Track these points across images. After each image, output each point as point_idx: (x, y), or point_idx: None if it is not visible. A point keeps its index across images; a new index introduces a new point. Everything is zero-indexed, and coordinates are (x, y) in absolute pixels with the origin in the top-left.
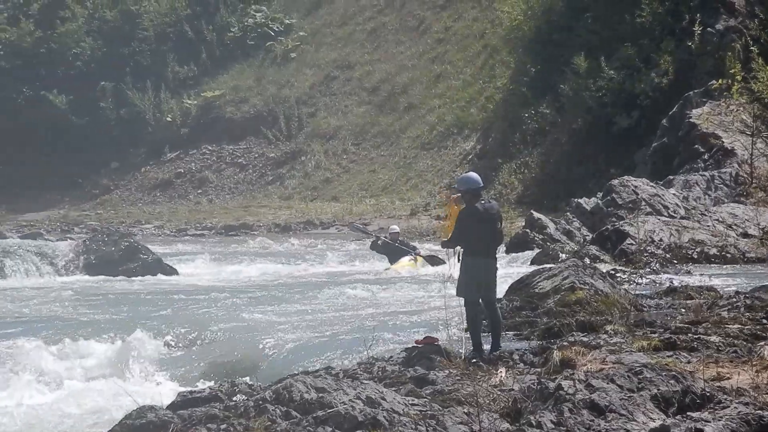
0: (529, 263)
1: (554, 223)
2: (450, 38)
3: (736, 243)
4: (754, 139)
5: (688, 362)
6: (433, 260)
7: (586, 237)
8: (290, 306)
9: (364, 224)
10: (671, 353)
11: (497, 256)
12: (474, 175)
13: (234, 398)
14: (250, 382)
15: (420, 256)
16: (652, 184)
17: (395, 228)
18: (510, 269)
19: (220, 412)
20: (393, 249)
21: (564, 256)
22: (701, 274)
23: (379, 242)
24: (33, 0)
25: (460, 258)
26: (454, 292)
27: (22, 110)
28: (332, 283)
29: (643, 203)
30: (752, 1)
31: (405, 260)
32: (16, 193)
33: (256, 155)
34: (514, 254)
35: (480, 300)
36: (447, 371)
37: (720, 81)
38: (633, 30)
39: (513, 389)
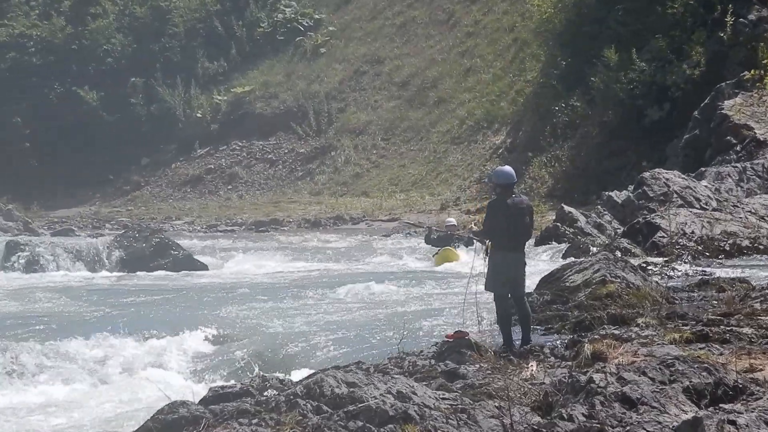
0: (560, 257)
1: (585, 217)
2: (480, 32)
3: None
4: None
5: (721, 354)
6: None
7: (617, 230)
8: (321, 301)
9: (394, 219)
10: (703, 345)
11: (525, 250)
12: (509, 169)
13: (265, 393)
14: (281, 377)
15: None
16: (683, 176)
17: (451, 221)
18: (541, 263)
19: (251, 407)
20: (447, 241)
21: (595, 249)
22: (733, 266)
23: (432, 236)
24: None
25: (488, 252)
26: (482, 286)
27: (54, 107)
28: (362, 279)
29: (675, 195)
30: None
31: (445, 253)
32: (48, 190)
33: (286, 151)
34: (544, 247)
35: (509, 294)
36: (478, 365)
37: (752, 72)
38: (664, 21)
39: (544, 383)
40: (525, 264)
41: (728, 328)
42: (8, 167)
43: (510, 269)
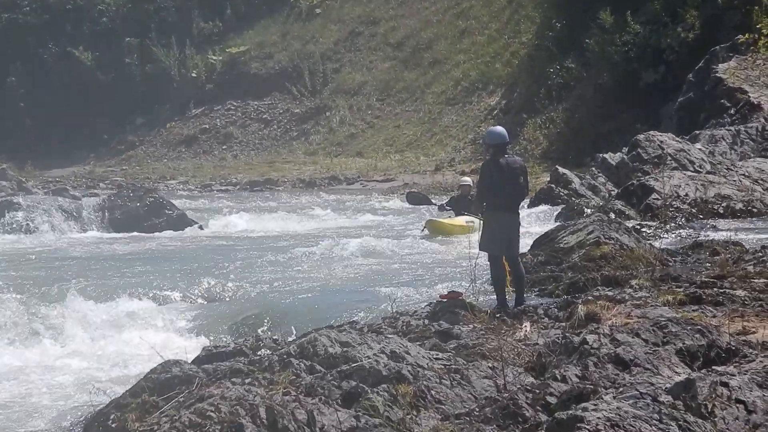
0: (554, 218)
1: (579, 178)
2: None
3: (762, 197)
4: None
5: (714, 316)
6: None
7: (612, 192)
8: (315, 261)
9: (389, 179)
10: (696, 307)
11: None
12: (500, 129)
13: (258, 353)
14: (274, 337)
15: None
16: (677, 139)
17: (466, 180)
18: (535, 224)
19: (244, 366)
20: (461, 205)
21: (589, 211)
22: (727, 229)
23: (445, 205)
24: None
25: (483, 212)
26: (477, 247)
27: (49, 67)
28: (357, 238)
29: (669, 158)
30: None
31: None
32: (42, 149)
33: (281, 111)
34: (538, 209)
35: (503, 255)
36: (471, 326)
37: (746, 35)
38: None
39: (538, 343)
40: (519, 225)
41: (721, 291)
42: (2, 127)
43: (504, 230)
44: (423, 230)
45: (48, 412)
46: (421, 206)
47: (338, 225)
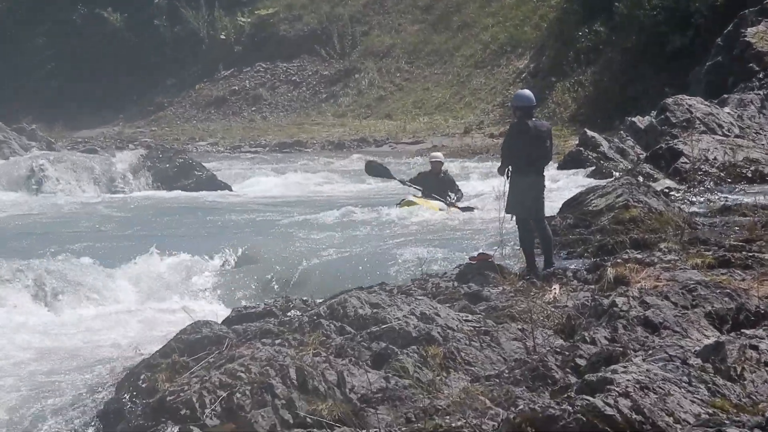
0: (582, 181)
1: (608, 142)
2: None
3: None
4: None
5: (742, 280)
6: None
7: (640, 155)
8: (344, 223)
9: (418, 141)
10: (725, 271)
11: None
12: (528, 92)
13: (288, 314)
14: (304, 298)
15: (454, 206)
16: (706, 102)
17: (438, 155)
18: (563, 187)
19: (274, 327)
20: (432, 186)
21: (617, 174)
22: (755, 193)
23: (407, 182)
24: None
25: (509, 176)
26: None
27: (78, 28)
28: (386, 201)
29: (698, 122)
30: None
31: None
32: (71, 110)
33: (310, 73)
34: (567, 172)
35: (530, 217)
36: (501, 288)
37: None
38: None
39: (567, 306)
40: (545, 187)
41: (750, 254)
42: (32, 87)
43: (530, 192)
44: (399, 206)
45: (79, 372)
46: (381, 178)
47: (368, 187)
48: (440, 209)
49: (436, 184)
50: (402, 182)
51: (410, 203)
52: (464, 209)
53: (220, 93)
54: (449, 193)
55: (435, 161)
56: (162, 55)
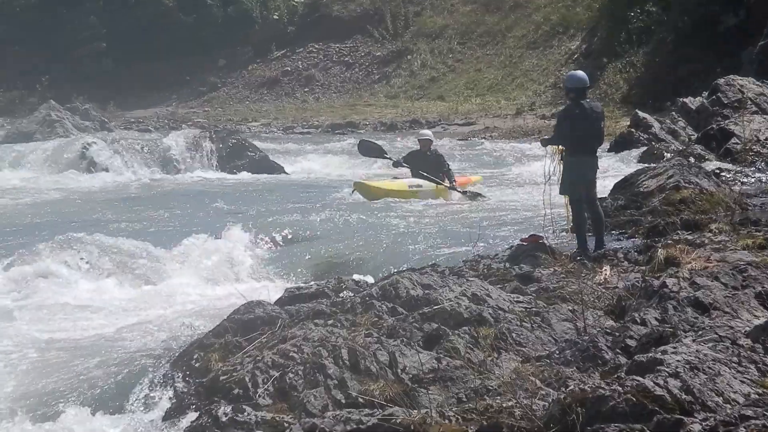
0: (634, 162)
1: (659, 123)
2: None
3: None
4: None
5: None
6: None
7: (691, 136)
8: (396, 204)
9: (470, 122)
10: None
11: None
12: (581, 73)
13: (341, 294)
14: (356, 279)
15: (448, 186)
16: (758, 83)
17: (426, 133)
18: (614, 169)
19: (327, 308)
20: (420, 164)
21: (669, 155)
22: None
23: (401, 161)
24: None
25: (563, 157)
26: (557, 191)
27: (130, 7)
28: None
29: (749, 102)
30: None
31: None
32: (124, 90)
33: (363, 54)
34: (618, 153)
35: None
36: (552, 269)
37: None
38: None
39: (617, 287)
40: (598, 168)
41: None
42: (85, 67)
43: (584, 173)
44: (352, 193)
45: (132, 351)
46: (378, 159)
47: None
48: (411, 186)
49: (425, 162)
50: (393, 162)
51: (360, 186)
52: (470, 196)
53: (273, 74)
54: (442, 172)
55: (423, 139)
56: (214, 36)
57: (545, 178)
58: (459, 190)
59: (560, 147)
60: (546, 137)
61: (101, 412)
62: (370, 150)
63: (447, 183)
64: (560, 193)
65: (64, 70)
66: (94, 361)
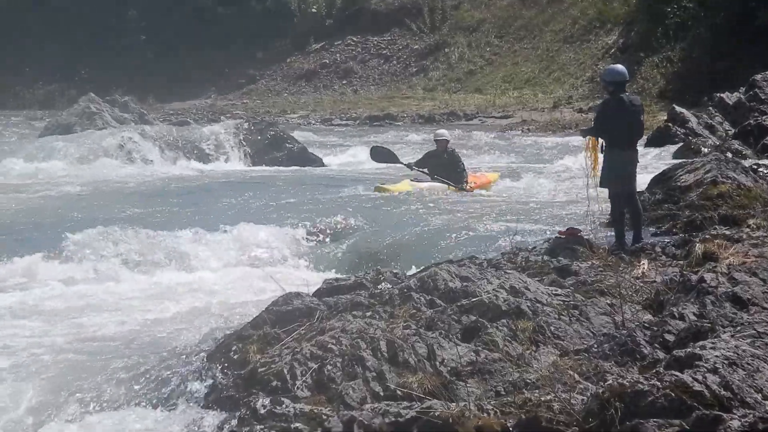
0: (671, 157)
1: (696, 118)
2: None
3: None
4: None
5: None
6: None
7: (728, 131)
8: (435, 196)
9: (507, 115)
10: None
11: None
12: (620, 67)
13: (379, 286)
14: (394, 271)
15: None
16: None
17: (442, 133)
18: (652, 163)
19: (365, 299)
20: (436, 165)
21: (706, 150)
22: None
23: (411, 170)
24: None
25: (603, 150)
26: (595, 184)
27: (171, 2)
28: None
29: None
30: None
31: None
32: (163, 82)
33: (401, 47)
34: (655, 148)
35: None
36: (590, 262)
37: None
38: None
39: (655, 281)
40: (637, 162)
41: None
42: (124, 60)
43: (625, 167)
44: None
45: (169, 341)
46: (389, 164)
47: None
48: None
49: (442, 163)
50: (408, 166)
51: (380, 189)
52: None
53: (311, 66)
54: (456, 171)
55: (440, 139)
56: (253, 28)
57: (585, 172)
58: (468, 190)
59: (599, 140)
60: (584, 128)
61: (137, 405)
62: (382, 156)
63: (461, 185)
64: (600, 186)
65: (104, 63)
66: (130, 353)
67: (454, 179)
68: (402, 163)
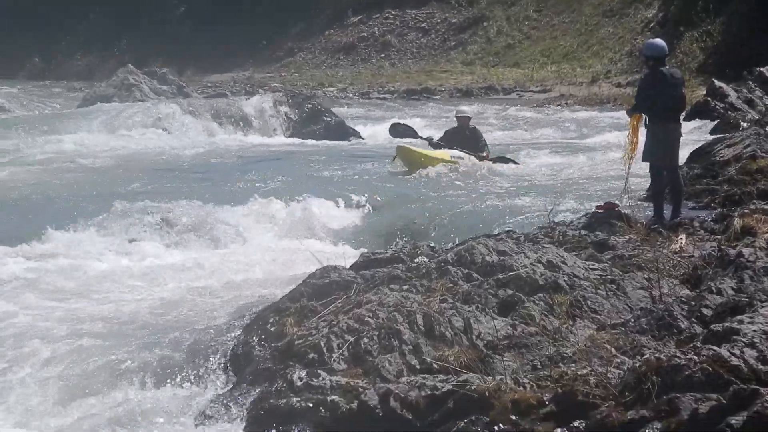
0: (710, 131)
1: (736, 92)
2: None
3: None
4: None
5: None
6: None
7: None
8: (472, 169)
9: (545, 90)
10: None
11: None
12: (660, 41)
13: (416, 260)
14: (431, 245)
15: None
16: None
17: (465, 110)
18: (691, 137)
19: (402, 273)
20: (458, 141)
21: (745, 124)
22: None
23: (433, 139)
24: None
25: (647, 124)
26: (634, 159)
27: None
28: (513, 149)
29: None
30: None
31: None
32: (202, 55)
33: (439, 20)
34: (695, 122)
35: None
36: (627, 237)
37: None
38: None
39: (693, 256)
40: (681, 135)
41: None
42: (162, 32)
43: (668, 140)
44: (393, 160)
45: (208, 313)
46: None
47: (495, 136)
48: (453, 156)
49: (463, 139)
50: (428, 140)
51: (403, 150)
52: (497, 160)
53: (349, 39)
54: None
55: (461, 116)
56: (291, 1)
57: (625, 148)
58: (491, 161)
59: (642, 116)
60: (629, 108)
61: (174, 377)
62: (403, 132)
63: (482, 155)
64: (643, 160)
65: (143, 36)
66: (168, 325)
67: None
68: (422, 137)
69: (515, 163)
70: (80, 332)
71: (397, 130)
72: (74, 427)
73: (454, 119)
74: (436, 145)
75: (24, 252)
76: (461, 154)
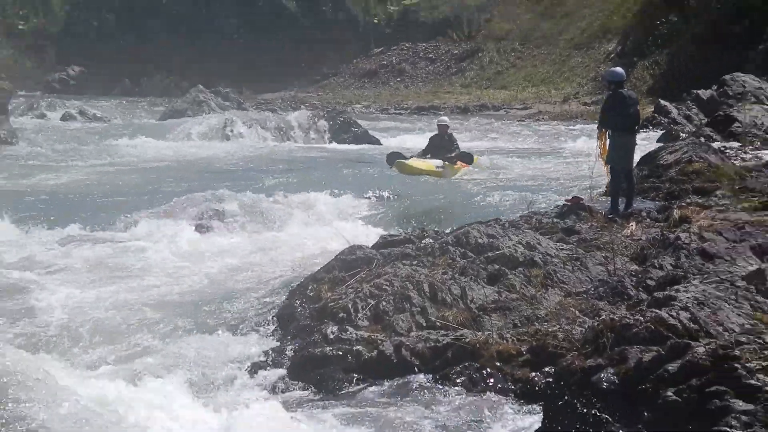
0: (656, 140)
1: (677, 110)
2: None
3: None
4: None
5: None
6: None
7: (703, 121)
8: (468, 174)
9: (527, 107)
10: None
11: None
12: (620, 69)
13: (423, 241)
14: (435, 229)
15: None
16: (757, 79)
17: (444, 120)
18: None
19: (412, 251)
20: (438, 146)
21: (684, 135)
22: None
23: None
24: None
25: (609, 136)
26: (597, 164)
27: (262, 13)
28: (501, 154)
29: (750, 95)
30: None
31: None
32: (256, 77)
33: (443, 52)
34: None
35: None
36: (590, 224)
37: None
38: None
39: (641, 239)
40: (635, 144)
41: None
42: (225, 59)
43: (626, 148)
44: (390, 168)
45: (258, 283)
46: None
47: (487, 143)
48: (437, 167)
49: (443, 144)
50: (419, 156)
51: (400, 165)
52: (460, 156)
53: (372, 66)
54: (449, 150)
55: (441, 124)
56: (327, 35)
57: (594, 154)
58: (455, 156)
59: (605, 129)
60: (599, 124)
61: (235, 332)
62: (395, 157)
63: (452, 155)
64: (605, 162)
65: (210, 62)
66: (228, 291)
67: (449, 158)
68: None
69: (472, 156)
70: (161, 297)
71: (392, 157)
72: (157, 364)
73: (436, 127)
74: (421, 156)
75: (112, 237)
76: (442, 163)
